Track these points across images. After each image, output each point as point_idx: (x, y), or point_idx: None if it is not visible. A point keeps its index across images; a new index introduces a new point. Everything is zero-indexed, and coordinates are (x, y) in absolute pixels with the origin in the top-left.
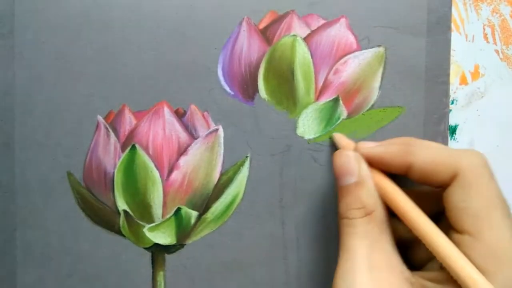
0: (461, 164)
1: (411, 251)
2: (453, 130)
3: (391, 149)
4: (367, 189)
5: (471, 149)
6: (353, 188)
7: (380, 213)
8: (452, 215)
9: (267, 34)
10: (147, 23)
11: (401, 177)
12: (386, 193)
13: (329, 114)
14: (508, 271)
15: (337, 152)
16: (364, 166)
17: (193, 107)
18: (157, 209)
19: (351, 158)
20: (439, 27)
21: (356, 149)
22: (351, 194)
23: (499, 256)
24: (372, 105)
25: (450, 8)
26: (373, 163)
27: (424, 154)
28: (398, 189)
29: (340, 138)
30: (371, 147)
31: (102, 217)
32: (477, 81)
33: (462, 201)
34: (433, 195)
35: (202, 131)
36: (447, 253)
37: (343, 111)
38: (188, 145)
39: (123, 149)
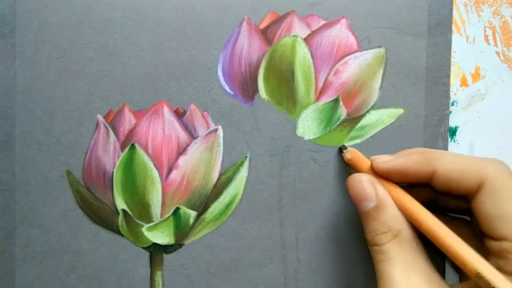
0: (487, 171)
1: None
2: (453, 131)
3: (412, 158)
4: (388, 210)
5: (492, 158)
6: (374, 212)
7: (407, 231)
8: (486, 223)
9: (267, 34)
10: (148, 22)
11: None
12: (407, 209)
13: (329, 115)
14: None
15: (350, 178)
16: (381, 188)
17: (192, 106)
18: (155, 209)
19: (365, 183)
20: (440, 29)
21: (372, 165)
22: (373, 219)
23: None
24: (372, 106)
25: (451, 9)
26: (394, 176)
27: (449, 161)
28: (417, 203)
29: (353, 155)
30: (390, 159)
31: (101, 216)
32: (477, 82)
33: (495, 208)
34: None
35: (201, 131)
36: (476, 264)
37: (343, 112)
38: (188, 145)
39: (122, 148)
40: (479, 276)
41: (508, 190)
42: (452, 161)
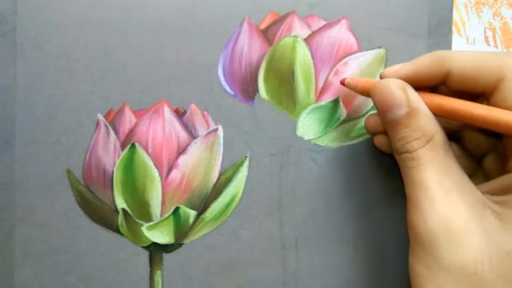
0: (507, 64)
1: (463, 143)
2: None
3: (423, 62)
4: (422, 115)
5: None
6: (406, 119)
7: (440, 134)
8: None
9: (268, 35)
10: (148, 21)
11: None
12: (442, 105)
13: (329, 115)
14: None
15: (376, 84)
16: (412, 92)
17: (193, 106)
18: (155, 208)
19: (394, 88)
20: (440, 29)
21: (381, 76)
22: (405, 126)
23: None
24: (372, 107)
25: (451, 10)
26: (408, 82)
27: (462, 58)
28: (449, 98)
29: (354, 79)
30: (399, 68)
31: (101, 215)
32: None
33: None
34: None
35: (201, 130)
36: None
37: (343, 112)
38: (188, 145)
39: (122, 148)
40: None
41: None
42: (466, 59)
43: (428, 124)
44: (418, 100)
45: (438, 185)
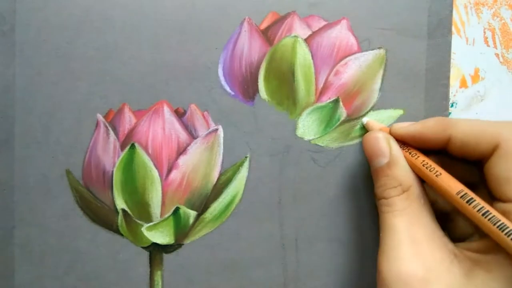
0: (502, 134)
1: (452, 224)
2: None
3: (429, 124)
4: (400, 167)
5: (509, 121)
6: (386, 168)
7: (416, 188)
8: (496, 185)
9: (268, 35)
10: (148, 22)
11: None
12: (420, 168)
13: (329, 115)
14: None
15: (366, 135)
16: (394, 145)
17: (193, 106)
18: (155, 209)
19: (380, 139)
20: (440, 30)
21: (391, 130)
22: (385, 174)
23: None
24: (372, 107)
25: (451, 11)
26: (411, 141)
27: (464, 126)
28: (432, 161)
29: (372, 123)
30: (408, 126)
31: (101, 215)
32: (477, 84)
33: (506, 170)
34: (466, 168)
35: (201, 130)
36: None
37: (343, 112)
38: (188, 145)
39: (122, 148)
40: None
41: None
42: (468, 126)
43: (404, 175)
44: (398, 152)
45: (407, 233)
